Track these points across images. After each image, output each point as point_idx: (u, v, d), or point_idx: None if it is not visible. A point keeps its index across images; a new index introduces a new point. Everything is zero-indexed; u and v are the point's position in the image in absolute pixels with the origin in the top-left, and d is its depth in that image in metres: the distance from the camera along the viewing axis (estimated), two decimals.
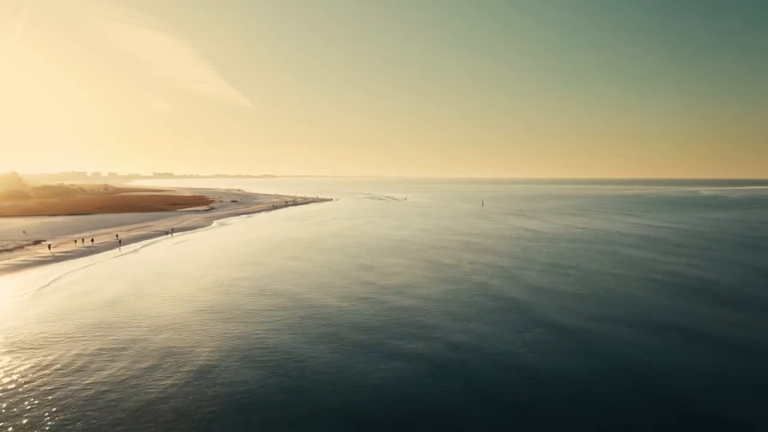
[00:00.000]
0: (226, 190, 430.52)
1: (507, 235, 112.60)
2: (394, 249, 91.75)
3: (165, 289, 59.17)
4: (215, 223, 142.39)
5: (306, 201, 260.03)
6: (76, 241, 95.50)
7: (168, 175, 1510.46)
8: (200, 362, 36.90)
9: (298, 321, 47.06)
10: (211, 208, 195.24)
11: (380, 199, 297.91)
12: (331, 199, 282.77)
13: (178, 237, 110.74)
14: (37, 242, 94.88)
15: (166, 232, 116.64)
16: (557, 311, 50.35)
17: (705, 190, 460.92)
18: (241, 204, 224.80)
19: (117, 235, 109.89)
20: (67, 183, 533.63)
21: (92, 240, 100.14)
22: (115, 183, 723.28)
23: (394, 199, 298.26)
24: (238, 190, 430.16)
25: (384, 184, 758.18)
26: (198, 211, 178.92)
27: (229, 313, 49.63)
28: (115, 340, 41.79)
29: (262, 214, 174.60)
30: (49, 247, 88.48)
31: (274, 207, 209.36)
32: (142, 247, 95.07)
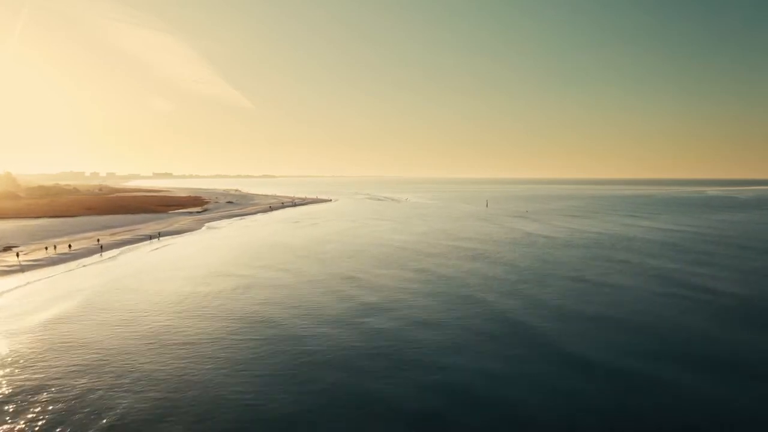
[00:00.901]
0: (224, 190, 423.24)
1: (517, 241, 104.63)
2: (392, 258, 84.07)
3: (116, 310, 51.08)
4: (206, 226, 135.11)
5: (304, 202, 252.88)
6: (47, 248, 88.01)
7: (167, 175, 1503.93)
8: (125, 424, 28.50)
9: (260, 357, 38.29)
10: (205, 210, 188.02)
11: (380, 199, 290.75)
12: (330, 200, 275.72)
13: (163, 241, 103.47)
14: (7, 248, 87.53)
15: (152, 237, 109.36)
16: (588, 345, 41.58)
17: (710, 191, 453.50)
18: (237, 205, 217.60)
19: (98, 240, 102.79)
20: (62, 183, 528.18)
21: (69, 246, 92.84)
22: (113, 183, 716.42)
23: (394, 199, 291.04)
24: (236, 190, 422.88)
25: (384, 184, 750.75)
26: (191, 213, 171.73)
27: (179, 344, 40.93)
28: (21, 383, 33.40)
29: (257, 216, 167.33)
30: (17, 254, 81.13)
31: (271, 208, 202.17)
32: (121, 254, 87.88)
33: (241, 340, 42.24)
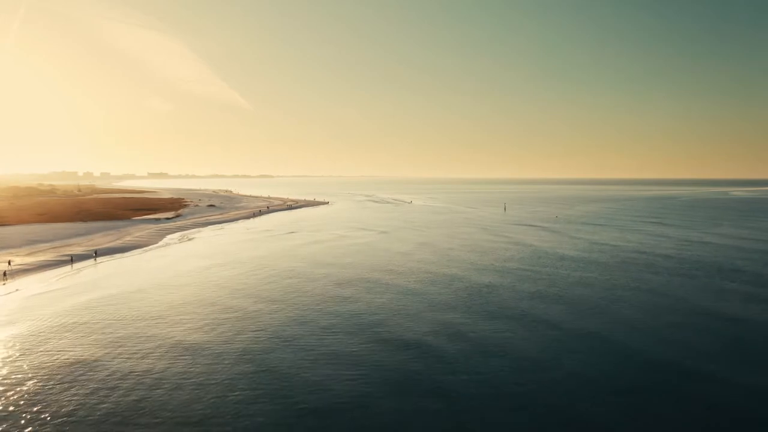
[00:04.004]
0: (214, 191, 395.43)
1: (586, 280, 67.08)
2: (376, 310, 55.29)
3: None
4: (165, 239, 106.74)
5: (298, 205, 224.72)
6: None
7: (163, 175, 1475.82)
8: None
9: None
10: (178, 215, 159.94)
11: (380, 202, 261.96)
12: (327, 203, 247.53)
13: (90, 263, 75.30)
14: None
15: (76, 258, 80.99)
16: None
17: (734, 192, 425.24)
18: (219, 209, 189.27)
19: (9, 262, 75.21)
20: (46, 183, 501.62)
21: None
22: (105, 183, 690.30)
23: (396, 202, 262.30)
24: (227, 191, 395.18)
25: (385, 184, 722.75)
26: (157, 220, 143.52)
27: None
28: None
29: (235, 225, 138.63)
30: None
31: (254, 214, 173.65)
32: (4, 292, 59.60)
33: None
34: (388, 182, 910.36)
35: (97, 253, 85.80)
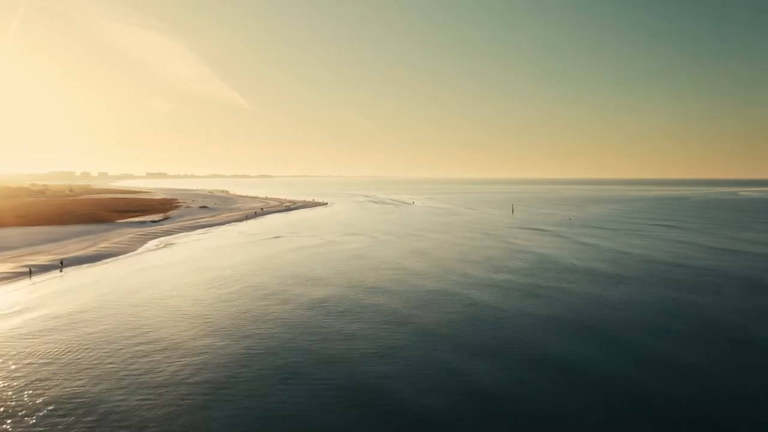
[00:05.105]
0: (210, 191, 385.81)
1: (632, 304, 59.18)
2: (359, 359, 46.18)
3: None
4: (146, 245, 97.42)
5: (295, 206, 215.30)
6: None
7: (161, 175, 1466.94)
8: None
9: None
10: (166, 218, 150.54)
11: (382, 203, 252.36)
12: (326, 203, 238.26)
13: (51, 276, 65.95)
14: None
15: (35, 270, 71.37)
16: None
17: (743, 192, 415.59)
18: (211, 211, 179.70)
19: None
20: (40, 183, 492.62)
21: None
22: (102, 183, 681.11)
23: (397, 203, 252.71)
24: (224, 191, 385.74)
25: (385, 184, 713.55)
26: (143, 223, 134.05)
27: None
28: None
29: (224, 228, 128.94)
30: None
31: (252, 215, 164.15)
32: None
33: None
34: (388, 182, 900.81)
35: (63, 263, 76.28)
